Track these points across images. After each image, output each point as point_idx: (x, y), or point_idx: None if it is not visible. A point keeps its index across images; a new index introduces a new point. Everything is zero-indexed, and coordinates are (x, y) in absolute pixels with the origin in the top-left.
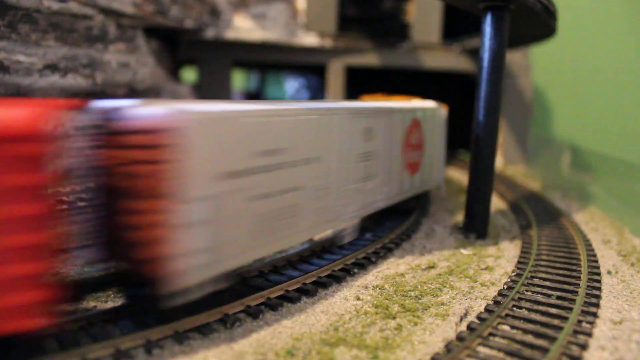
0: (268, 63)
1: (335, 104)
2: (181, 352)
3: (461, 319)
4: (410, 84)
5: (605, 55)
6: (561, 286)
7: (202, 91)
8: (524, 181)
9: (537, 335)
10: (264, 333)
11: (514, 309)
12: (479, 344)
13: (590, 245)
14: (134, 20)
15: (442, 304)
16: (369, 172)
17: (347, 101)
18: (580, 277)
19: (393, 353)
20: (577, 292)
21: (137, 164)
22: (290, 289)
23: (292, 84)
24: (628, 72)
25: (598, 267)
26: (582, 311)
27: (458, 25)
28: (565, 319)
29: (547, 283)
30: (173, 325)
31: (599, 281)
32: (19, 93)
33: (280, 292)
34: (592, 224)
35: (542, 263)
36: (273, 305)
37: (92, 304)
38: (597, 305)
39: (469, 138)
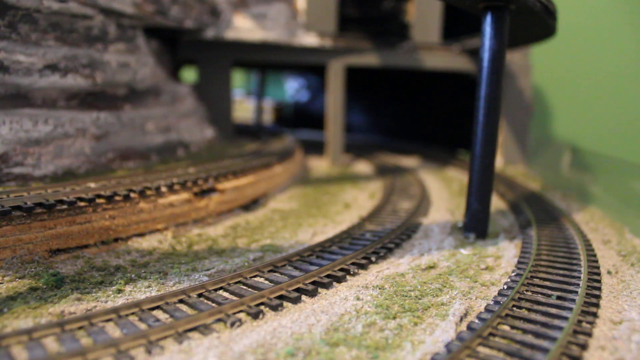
0: (268, 63)
1: None
2: (181, 352)
3: (461, 319)
4: (410, 83)
5: (606, 55)
6: (561, 286)
7: (202, 91)
8: (524, 181)
9: (537, 335)
10: (264, 333)
11: (514, 309)
12: (479, 344)
13: (590, 245)
14: (134, 20)
15: (442, 304)
16: None
17: None
18: (580, 277)
19: (393, 353)
20: (577, 292)
21: None
22: (290, 289)
23: (292, 84)
24: (628, 72)
25: (598, 267)
26: (582, 311)
27: (458, 25)
28: (565, 319)
29: (547, 283)
30: (173, 325)
31: (599, 281)
32: (19, 93)
33: (281, 292)
34: (592, 224)
35: (542, 263)
36: (273, 305)
37: None
38: (597, 306)
39: (469, 138)
